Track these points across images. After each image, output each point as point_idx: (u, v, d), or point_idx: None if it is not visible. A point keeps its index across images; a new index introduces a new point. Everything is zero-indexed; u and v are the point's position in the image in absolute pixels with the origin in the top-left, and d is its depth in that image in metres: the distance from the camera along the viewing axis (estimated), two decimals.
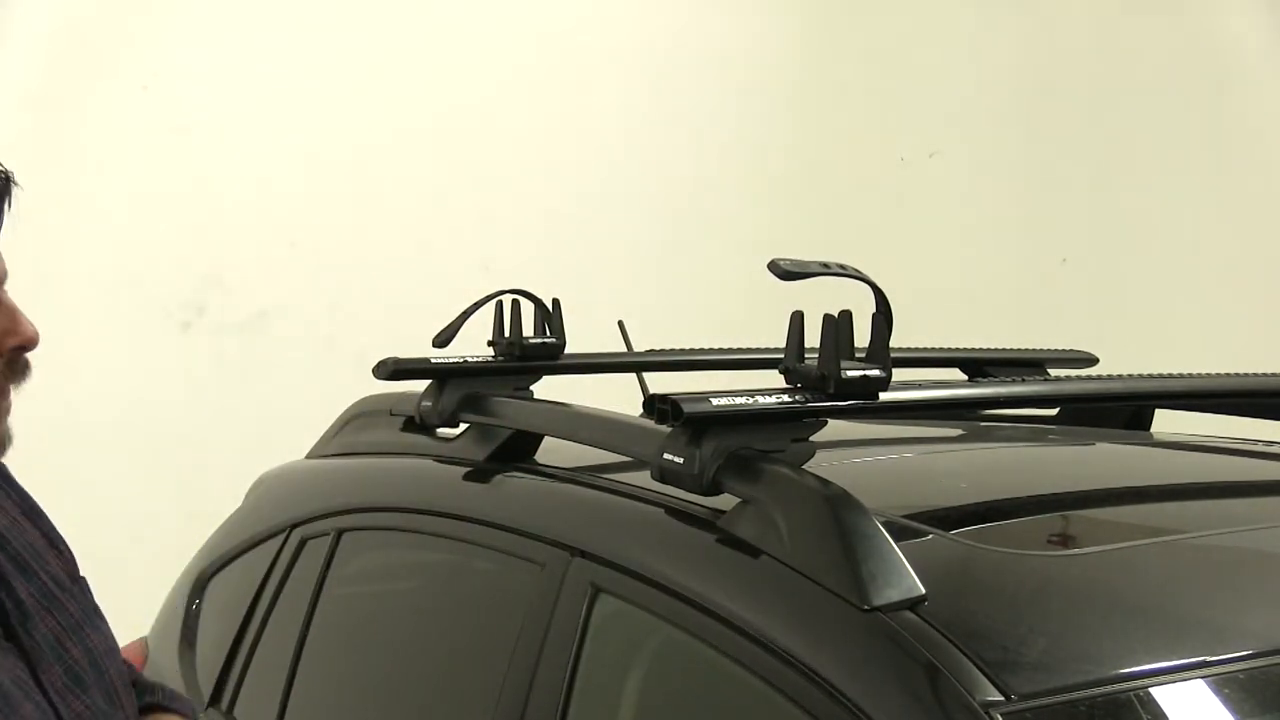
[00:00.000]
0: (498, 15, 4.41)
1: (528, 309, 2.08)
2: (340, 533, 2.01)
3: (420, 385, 2.09)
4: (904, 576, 1.20)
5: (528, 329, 2.08)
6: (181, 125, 3.95)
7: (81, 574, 1.40)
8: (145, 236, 3.92)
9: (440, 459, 1.98)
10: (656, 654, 1.48)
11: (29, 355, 1.28)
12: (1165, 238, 4.79)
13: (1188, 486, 1.76)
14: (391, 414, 2.20)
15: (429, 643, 1.85)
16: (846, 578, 1.21)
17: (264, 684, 2.02)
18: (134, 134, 3.94)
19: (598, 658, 1.48)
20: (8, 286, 1.30)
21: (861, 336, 1.40)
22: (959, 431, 2.17)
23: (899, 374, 1.43)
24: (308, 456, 2.39)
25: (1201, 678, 1.13)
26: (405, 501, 1.97)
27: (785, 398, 1.40)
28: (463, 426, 2.04)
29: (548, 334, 2.08)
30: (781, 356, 1.44)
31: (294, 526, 2.11)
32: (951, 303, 4.64)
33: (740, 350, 2.28)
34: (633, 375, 2.32)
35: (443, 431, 2.08)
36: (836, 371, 1.37)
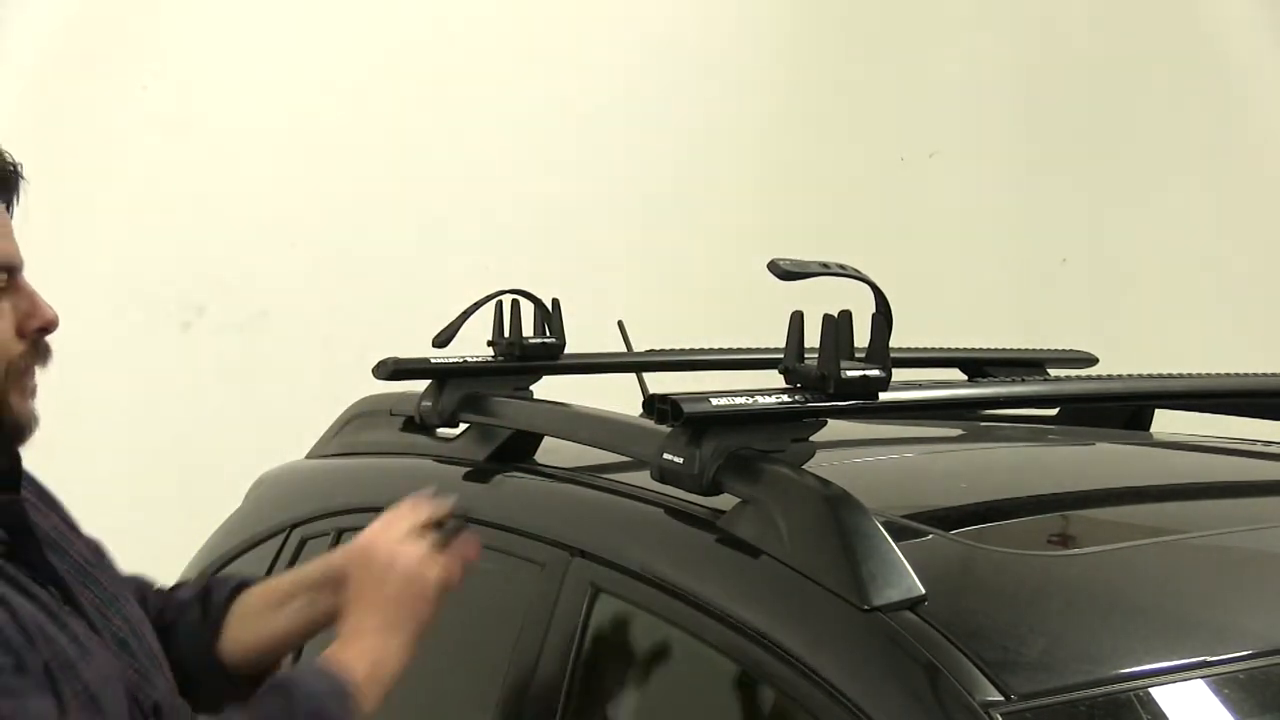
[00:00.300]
0: (497, 15, 4.41)
1: (528, 309, 2.08)
2: (340, 533, 2.01)
3: (420, 385, 2.09)
4: (904, 576, 1.20)
5: (528, 329, 2.08)
6: (181, 125, 3.95)
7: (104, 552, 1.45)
8: (145, 236, 3.91)
9: (440, 459, 1.98)
10: (656, 654, 1.48)
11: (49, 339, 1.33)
12: (1165, 237, 4.79)
13: (1188, 486, 1.76)
14: (391, 414, 2.20)
15: (429, 642, 1.85)
16: (846, 578, 1.21)
17: None
18: (134, 134, 3.94)
19: (598, 658, 1.48)
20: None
21: (861, 336, 1.40)
22: (959, 431, 2.17)
23: (899, 374, 1.43)
24: (308, 456, 2.40)
25: (1201, 678, 1.13)
26: None
27: (785, 398, 1.40)
28: (463, 426, 2.04)
29: (548, 334, 2.08)
30: (781, 356, 1.44)
31: (294, 526, 2.11)
32: (951, 303, 4.63)
33: (740, 350, 2.28)
34: (633, 375, 2.32)
35: (443, 431, 2.08)
36: (836, 371, 1.38)
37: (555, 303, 2.10)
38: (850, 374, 1.38)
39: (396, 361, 2.05)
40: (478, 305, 2.06)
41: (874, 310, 1.39)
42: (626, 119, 4.54)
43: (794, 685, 1.20)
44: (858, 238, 4.52)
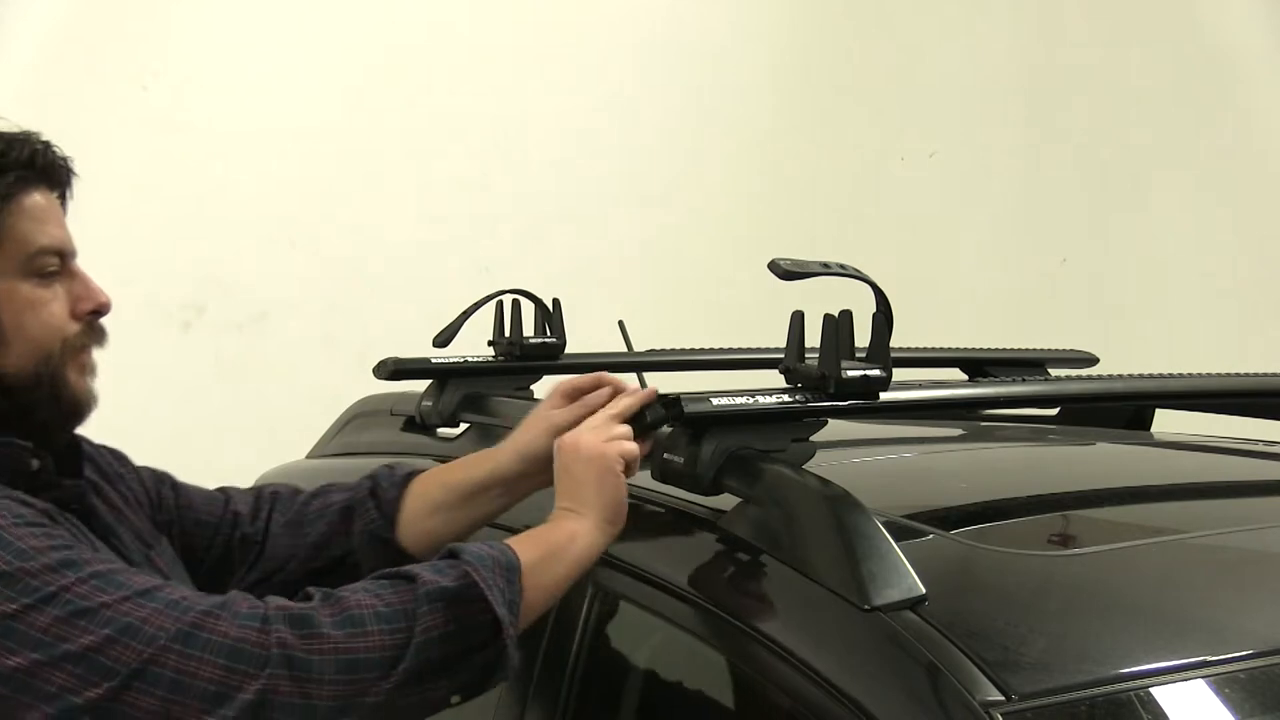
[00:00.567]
0: (498, 15, 4.41)
1: (528, 309, 2.08)
2: None
3: (420, 385, 2.09)
4: (904, 576, 1.20)
5: (528, 329, 2.08)
6: (181, 125, 3.95)
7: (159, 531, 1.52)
8: (145, 236, 3.91)
9: (441, 459, 1.97)
10: (657, 654, 1.49)
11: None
12: (1165, 237, 4.79)
13: (1188, 486, 1.76)
14: (392, 414, 2.21)
15: None
16: (847, 577, 1.21)
17: None
18: (134, 134, 3.94)
19: (598, 657, 1.48)
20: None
21: (862, 336, 1.40)
22: (959, 431, 2.17)
23: (899, 374, 1.43)
24: (308, 456, 2.40)
25: (1201, 678, 1.13)
26: None
27: (785, 398, 1.40)
28: (463, 426, 2.04)
29: (548, 334, 2.08)
30: (781, 356, 1.44)
31: None
32: (951, 303, 4.64)
33: (740, 350, 2.28)
34: (633, 375, 2.32)
35: (443, 431, 2.08)
36: (837, 371, 1.38)
37: (556, 302, 2.10)
38: (851, 374, 1.38)
39: (397, 361, 2.05)
40: (478, 305, 2.07)
41: (874, 310, 1.39)
42: (627, 118, 4.54)
43: (794, 685, 1.20)
44: (858, 237, 4.53)
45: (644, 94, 4.58)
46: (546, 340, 2.07)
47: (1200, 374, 1.75)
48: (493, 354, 2.11)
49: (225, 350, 4.00)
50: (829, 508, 1.28)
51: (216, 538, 1.58)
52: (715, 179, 4.69)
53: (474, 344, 2.07)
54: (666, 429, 1.45)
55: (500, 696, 1.53)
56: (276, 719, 1.16)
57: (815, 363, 1.40)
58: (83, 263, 1.44)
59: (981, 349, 2.39)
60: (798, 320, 1.41)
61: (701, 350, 2.28)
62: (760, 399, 1.39)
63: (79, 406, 1.38)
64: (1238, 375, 1.80)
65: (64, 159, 1.45)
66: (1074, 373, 2.34)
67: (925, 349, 2.34)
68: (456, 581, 1.25)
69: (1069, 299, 4.85)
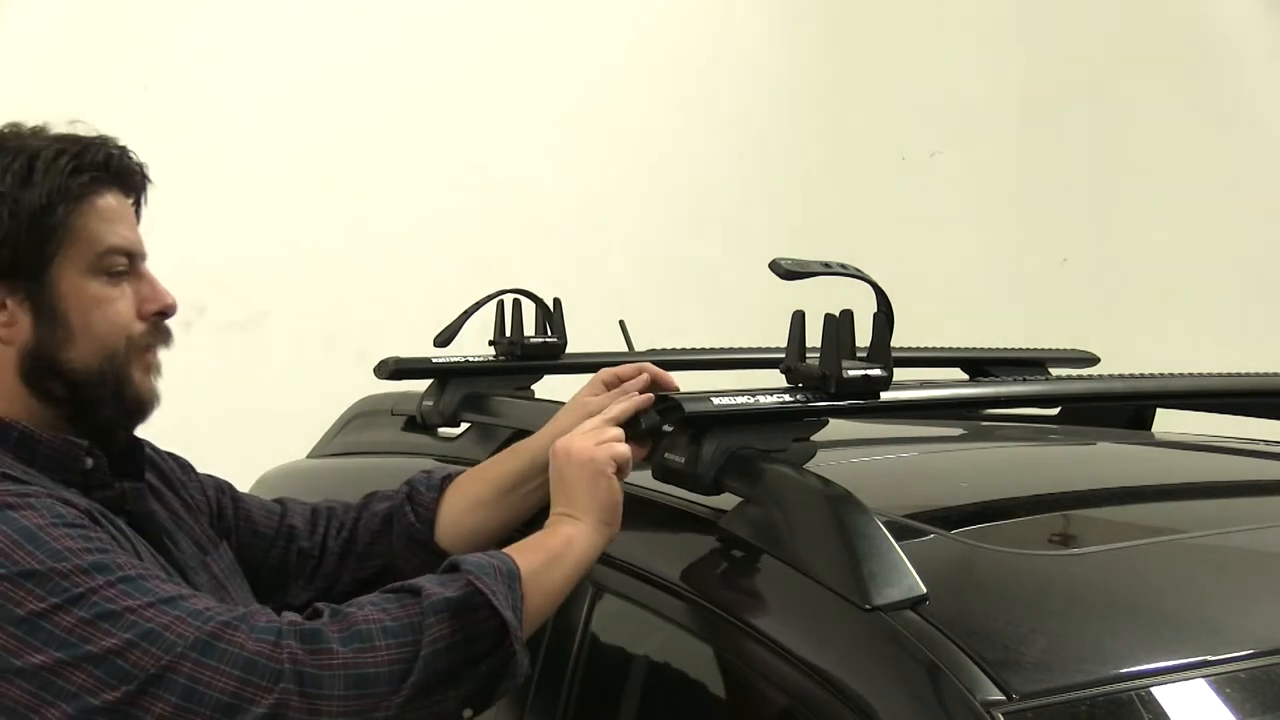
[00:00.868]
0: (498, 15, 4.41)
1: (529, 308, 2.08)
2: None
3: (421, 385, 2.09)
4: (905, 576, 1.20)
5: (529, 328, 2.08)
6: (181, 125, 3.95)
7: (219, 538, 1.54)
8: (145, 237, 3.91)
9: (441, 459, 1.98)
10: (657, 653, 1.49)
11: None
12: (1166, 237, 4.78)
13: (1188, 486, 1.76)
14: (393, 414, 2.20)
15: None
16: (848, 577, 1.21)
17: None
18: (134, 134, 3.93)
19: (599, 657, 1.48)
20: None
21: (863, 336, 1.40)
22: (960, 431, 2.17)
23: (900, 374, 1.43)
24: (309, 456, 2.40)
25: (1202, 678, 1.13)
26: None
27: (786, 397, 1.40)
28: (464, 426, 2.04)
29: (549, 333, 2.08)
30: (782, 356, 1.44)
31: None
32: (952, 303, 4.64)
33: (741, 350, 2.28)
34: None
35: (444, 431, 2.08)
36: (838, 371, 1.38)
37: (556, 302, 2.10)
38: (852, 373, 1.38)
39: (397, 361, 2.05)
40: (479, 305, 2.07)
41: (875, 310, 1.39)
42: (627, 119, 4.55)
43: (795, 685, 1.20)
44: (859, 237, 4.52)
45: (645, 94, 4.58)
46: (547, 340, 2.07)
47: (1201, 374, 1.75)
48: (493, 354, 2.10)
49: (225, 350, 4.00)
50: (830, 507, 1.28)
51: (272, 550, 1.60)
52: (716, 178, 4.69)
53: (475, 344, 2.07)
54: (667, 429, 1.45)
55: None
56: None
57: (816, 362, 1.40)
58: None
59: (982, 349, 2.39)
60: (798, 320, 1.41)
61: (701, 350, 2.28)
62: (761, 399, 1.39)
63: (142, 404, 1.42)
64: (1238, 375, 1.80)
65: (139, 165, 1.53)
66: (1074, 372, 2.34)
67: (926, 349, 2.34)
68: (460, 591, 1.25)
69: (1069, 299, 4.85)
